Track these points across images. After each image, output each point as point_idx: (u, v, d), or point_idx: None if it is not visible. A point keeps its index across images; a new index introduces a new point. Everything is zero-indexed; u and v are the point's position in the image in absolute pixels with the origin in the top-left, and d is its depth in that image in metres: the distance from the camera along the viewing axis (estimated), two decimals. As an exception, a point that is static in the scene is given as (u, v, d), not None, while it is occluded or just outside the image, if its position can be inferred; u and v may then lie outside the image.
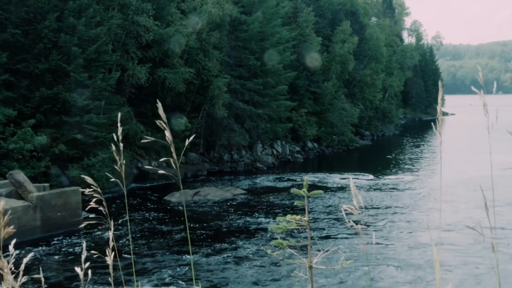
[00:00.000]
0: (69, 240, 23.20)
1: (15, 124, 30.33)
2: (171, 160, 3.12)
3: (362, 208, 2.77)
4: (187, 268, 19.38)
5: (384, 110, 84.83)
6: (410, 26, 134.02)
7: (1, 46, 31.31)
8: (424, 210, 29.50)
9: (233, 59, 46.76)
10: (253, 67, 48.04)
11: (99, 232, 24.18)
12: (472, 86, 2.60)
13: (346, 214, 2.90)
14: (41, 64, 32.19)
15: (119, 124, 3.30)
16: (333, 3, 73.23)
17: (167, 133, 2.92)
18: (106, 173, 31.11)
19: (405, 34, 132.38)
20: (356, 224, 3.01)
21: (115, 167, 3.42)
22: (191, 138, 3.24)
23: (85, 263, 3.30)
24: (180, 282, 18.01)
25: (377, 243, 22.54)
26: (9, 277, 2.73)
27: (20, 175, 24.61)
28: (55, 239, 23.25)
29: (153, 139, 3.24)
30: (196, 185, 36.53)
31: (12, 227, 2.73)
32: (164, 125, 2.90)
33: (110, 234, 3.29)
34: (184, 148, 3.32)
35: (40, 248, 21.65)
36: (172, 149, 2.97)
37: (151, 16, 37.98)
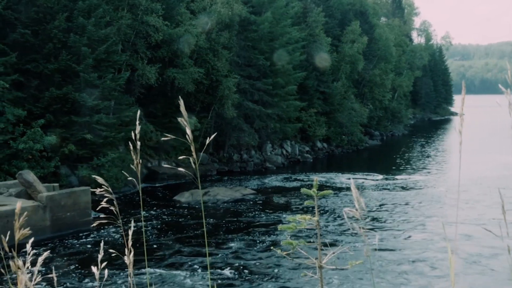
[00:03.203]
0: (79, 240, 23.23)
1: (25, 124, 30.39)
2: (191, 159, 3.10)
3: (364, 210, 2.74)
4: (200, 265, 19.35)
5: (394, 110, 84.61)
6: (419, 26, 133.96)
7: (11, 46, 31.41)
8: (436, 209, 29.36)
9: (243, 59, 46.73)
10: (262, 67, 48.00)
11: (108, 232, 24.20)
12: (500, 84, 2.53)
13: (349, 217, 2.87)
14: (50, 64, 32.28)
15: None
16: (342, 3, 73.16)
17: (188, 131, 2.90)
18: (113, 173, 31.25)
19: (414, 34, 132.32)
20: (359, 226, 2.97)
21: (132, 166, 3.39)
22: (212, 137, 3.23)
23: (98, 262, 3.29)
24: (191, 281, 17.99)
25: (386, 242, 22.48)
26: (23, 277, 2.71)
27: (30, 175, 24.66)
28: (65, 239, 23.30)
29: (172, 137, 3.23)
30: (206, 185, 36.51)
31: (28, 229, 2.72)
32: (185, 122, 2.89)
33: (130, 232, 3.29)
34: (205, 147, 3.31)
35: (50, 248, 21.68)
36: (192, 148, 2.95)
37: (160, 16, 38.04)
